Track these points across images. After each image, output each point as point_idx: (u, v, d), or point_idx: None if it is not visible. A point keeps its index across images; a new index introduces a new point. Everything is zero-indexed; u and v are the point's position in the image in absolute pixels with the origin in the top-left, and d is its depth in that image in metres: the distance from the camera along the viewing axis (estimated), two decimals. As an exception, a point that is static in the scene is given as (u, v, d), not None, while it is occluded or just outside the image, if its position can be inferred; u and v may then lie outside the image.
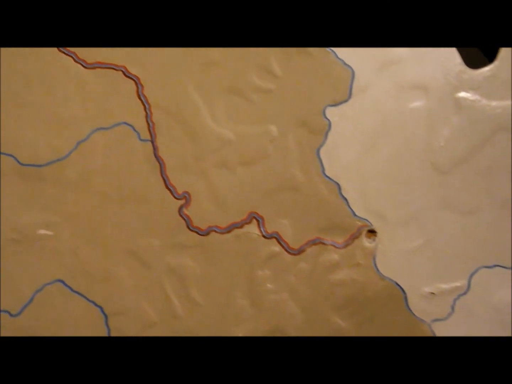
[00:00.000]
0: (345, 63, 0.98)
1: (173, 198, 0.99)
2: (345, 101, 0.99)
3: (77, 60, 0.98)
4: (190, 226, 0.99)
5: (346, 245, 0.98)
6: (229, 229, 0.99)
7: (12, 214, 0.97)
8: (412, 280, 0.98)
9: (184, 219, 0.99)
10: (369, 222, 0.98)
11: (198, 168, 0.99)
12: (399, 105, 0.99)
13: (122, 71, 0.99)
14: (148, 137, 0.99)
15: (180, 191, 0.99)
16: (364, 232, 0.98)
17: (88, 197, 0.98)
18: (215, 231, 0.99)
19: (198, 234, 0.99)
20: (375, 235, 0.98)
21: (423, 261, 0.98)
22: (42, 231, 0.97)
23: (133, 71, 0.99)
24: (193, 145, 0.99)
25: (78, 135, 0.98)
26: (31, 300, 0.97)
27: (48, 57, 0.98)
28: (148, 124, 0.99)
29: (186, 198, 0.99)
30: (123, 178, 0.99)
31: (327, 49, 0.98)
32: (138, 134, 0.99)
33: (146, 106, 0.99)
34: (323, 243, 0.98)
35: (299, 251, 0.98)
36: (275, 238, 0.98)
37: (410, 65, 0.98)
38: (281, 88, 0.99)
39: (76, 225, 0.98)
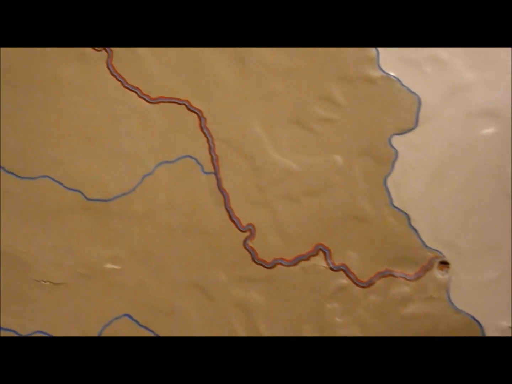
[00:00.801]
0: (410, 91, 0.96)
1: (238, 231, 0.98)
2: (412, 129, 0.97)
3: (141, 95, 1.00)
4: (255, 259, 0.97)
5: (417, 277, 0.95)
6: (295, 262, 0.97)
7: (80, 249, 0.98)
8: (489, 314, 0.94)
9: (249, 252, 0.98)
10: (441, 253, 0.95)
11: (262, 200, 0.98)
12: (469, 133, 0.96)
13: (185, 104, 0.99)
14: (212, 170, 0.99)
15: (244, 223, 0.98)
16: (436, 264, 0.95)
17: (154, 230, 0.98)
18: (281, 263, 0.97)
19: (264, 267, 0.97)
20: (448, 267, 0.95)
21: (500, 293, 0.94)
22: (109, 266, 0.98)
23: (196, 104, 0.99)
24: (257, 177, 0.98)
25: (143, 169, 0.99)
26: (100, 334, 0.97)
27: (113, 93, 0.99)
28: (212, 156, 0.99)
29: (250, 230, 0.98)
30: (187, 211, 0.99)
31: (392, 76, 0.97)
32: (202, 167, 0.99)
33: (209, 138, 0.99)
34: (393, 276, 0.96)
35: (368, 284, 0.96)
36: (343, 270, 0.96)
37: (479, 92, 0.96)
38: (345, 118, 0.98)
39: (142, 259, 0.98)
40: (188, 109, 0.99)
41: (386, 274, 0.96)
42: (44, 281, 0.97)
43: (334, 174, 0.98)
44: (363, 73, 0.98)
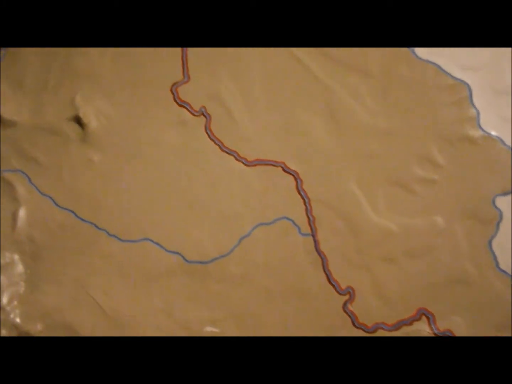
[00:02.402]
0: (514, 150, 0.94)
1: (337, 294, 0.97)
2: (517, 189, 0.94)
3: (238, 158, 1.01)
4: (355, 323, 0.96)
5: (529, 345, 0.91)
6: (397, 327, 0.95)
7: (180, 311, 0.99)
8: None
9: (349, 316, 0.96)
10: (554, 320, 0.91)
11: (361, 262, 0.97)
12: None
13: (281, 167, 1.00)
14: (309, 231, 0.99)
15: (343, 286, 0.97)
16: (550, 331, 0.91)
17: (252, 293, 0.98)
18: (382, 328, 0.95)
19: (364, 331, 0.95)
20: None
21: None
22: (209, 328, 0.98)
23: (292, 166, 1.00)
24: (355, 239, 0.98)
25: (240, 231, 1.00)
26: (199, 399, 0.97)
27: (211, 156, 1.01)
28: (309, 218, 0.99)
29: (350, 293, 0.96)
30: (285, 273, 0.98)
31: (494, 136, 0.95)
32: (299, 228, 0.99)
33: (306, 200, 0.99)
34: (503, 343, 0.92)
35: (476, 351, 0.92)
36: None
37: None
38: (446, 178, 0.96)
39: (241, 321, 0.98)
40: (285, 171, 1.00)
41: (495, 341, 0.92)
42: (146, 344, 0.98)
43: (435, 236, 0.96)
44: (463, 133, 0.96)
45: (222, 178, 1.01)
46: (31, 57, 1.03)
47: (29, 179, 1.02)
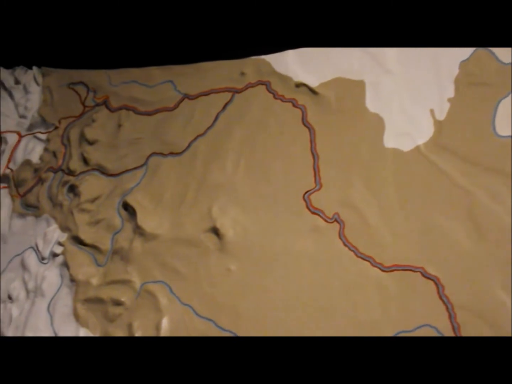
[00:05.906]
0: None
1: (490, 408, 0.91)
2: None
3: (374, 264, 1.00)
4: None
5: None
6: None
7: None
8: None
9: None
10: None
11: (514, 373, 0.92)
12: None
13: (420, 272, 0.98)
14: (454, 340, 0.95)
15: (497, 400, 0.91)
16: None
17: (397, 406, 0.95)
18: None
19: None
20: None
21: None
22: None
23: (431, 271, 0.97)
24: (506, 348, 0.93)
25: (381, 339, 0.98)
26: None
27: (346, 263, 1.01)
28: (453, 325, 0.95)
29: (505, 408, 0.91)
30: (431, 385, 0.94)
31: None
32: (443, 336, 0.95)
33: (449, 306, 0.96)
34: None
35: None
36: None
37: None
38: None
39: None
40: (424, 276, 0.98)
41: None
42: None
43: None
44: None
45: (358, 285, 1.00)
46: (169, 172, 1.09)
47: (170, 289, 1.05)
